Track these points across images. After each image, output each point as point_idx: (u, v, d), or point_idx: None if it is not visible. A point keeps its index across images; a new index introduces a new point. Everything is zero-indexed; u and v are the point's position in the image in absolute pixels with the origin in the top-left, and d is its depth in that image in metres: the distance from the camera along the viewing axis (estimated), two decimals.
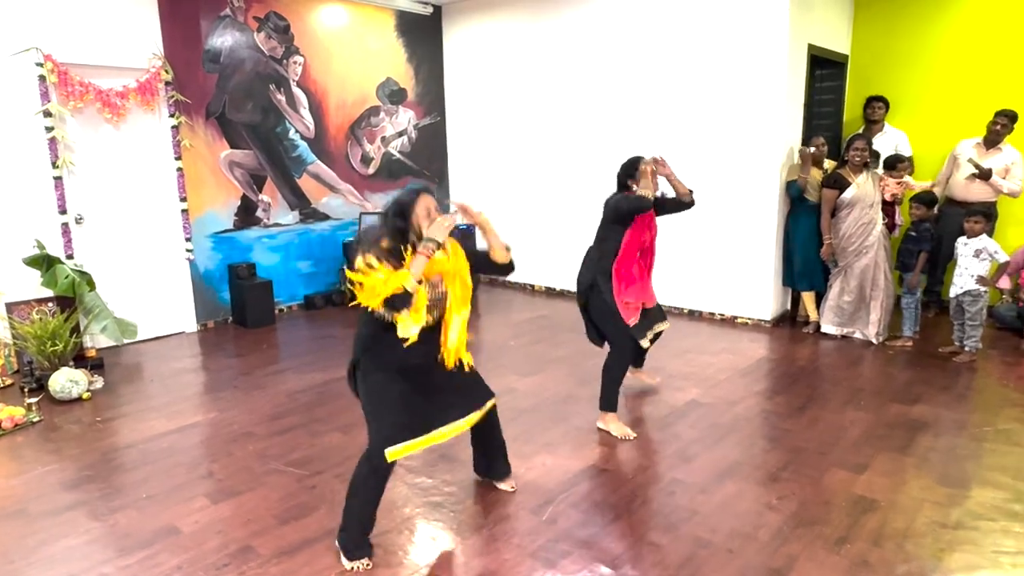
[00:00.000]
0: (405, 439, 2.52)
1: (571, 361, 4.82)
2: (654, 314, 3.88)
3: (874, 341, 5.07)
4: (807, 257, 5.33)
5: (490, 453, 3.04)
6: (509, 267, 2.77)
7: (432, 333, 2.61)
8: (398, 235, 2.50)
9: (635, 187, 3.60)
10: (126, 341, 5.21)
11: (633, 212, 3.52)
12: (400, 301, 2.39)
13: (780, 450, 3.42)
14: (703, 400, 4.08)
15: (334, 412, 3.99)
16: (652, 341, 3.89)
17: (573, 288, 6.82)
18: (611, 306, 3.59)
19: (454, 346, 2.63)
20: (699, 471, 3.22)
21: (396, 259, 2.44)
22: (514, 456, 3.35)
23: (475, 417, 2.77)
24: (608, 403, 3.68)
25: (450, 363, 2.66)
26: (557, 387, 4.34)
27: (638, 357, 4.26)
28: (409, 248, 2.48)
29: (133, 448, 3.60)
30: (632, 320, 3.63)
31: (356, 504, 2.54)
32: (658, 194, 3.66)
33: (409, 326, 2.47)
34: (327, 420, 3.89)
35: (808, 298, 5.46)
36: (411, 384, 2.58)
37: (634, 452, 3.46)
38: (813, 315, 5.43)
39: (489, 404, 2.85)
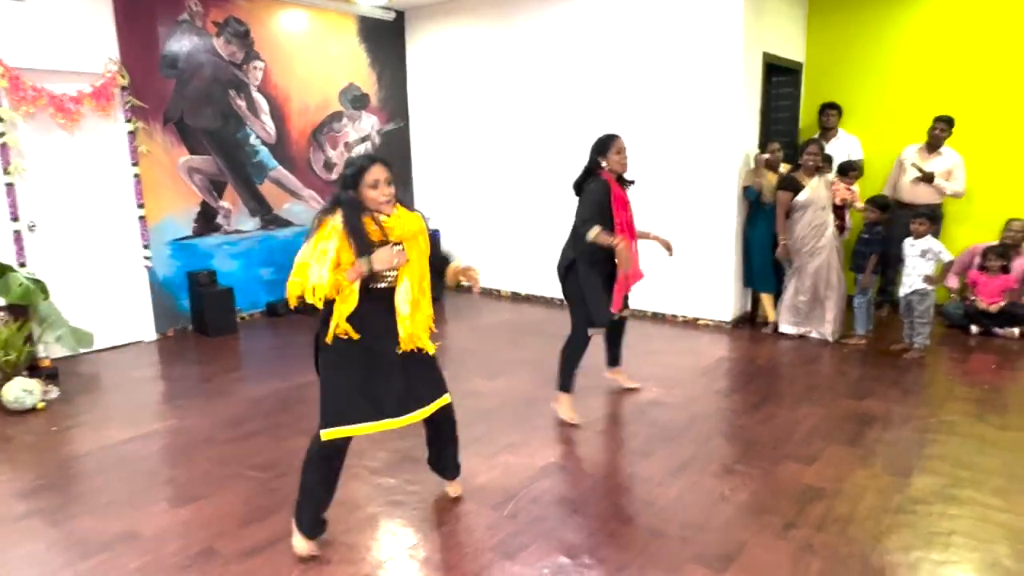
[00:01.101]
0: (342, 424, 2.53)
1: (534, 363, 4.94)
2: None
3: (830, 339, 5.28)
4: (764, 259, 5.56)
5: (438, 448, 3.01)
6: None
7: (388, 314, 2.58)
8: (347, 206, 2.47)
9: (604, 165, 3.74)
10: (82, 351, 5.20)
11: (583, 231, 3.63)
12: (302, 303, 2.41)
13: (735, 444, 3.58)
14: (663, 399, 4.23)
15: (297, 417, 4.05)
16: (617, 335, 4.14)
17: (537, 293, 6.96)
18: (582, 291, 3.73)
19: (406, 317, 2.58)
20: (656, 466, 3.36)
21: (355, 234, 2.45)
22: (476, 456, 3.47)
23: (423, 413, 2.73)
24: (563, 384, 3.88)
25: (404, 338, 2.59)
26: (520, 389, 4.46)
27: (613, 353, 4.37)
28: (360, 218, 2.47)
29: (90, 456, 3.62)
30: (615, 309, 3.80)
31: (307, 481, 2.62)
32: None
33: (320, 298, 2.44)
34: (290, 425, 3.95)
35: (767, 300, 5.68)
36: (364, 367, 2.57)
37: (594, 449, 3.59)
38: (771, 316, 5.64)
39: (439, 401, 2.79)
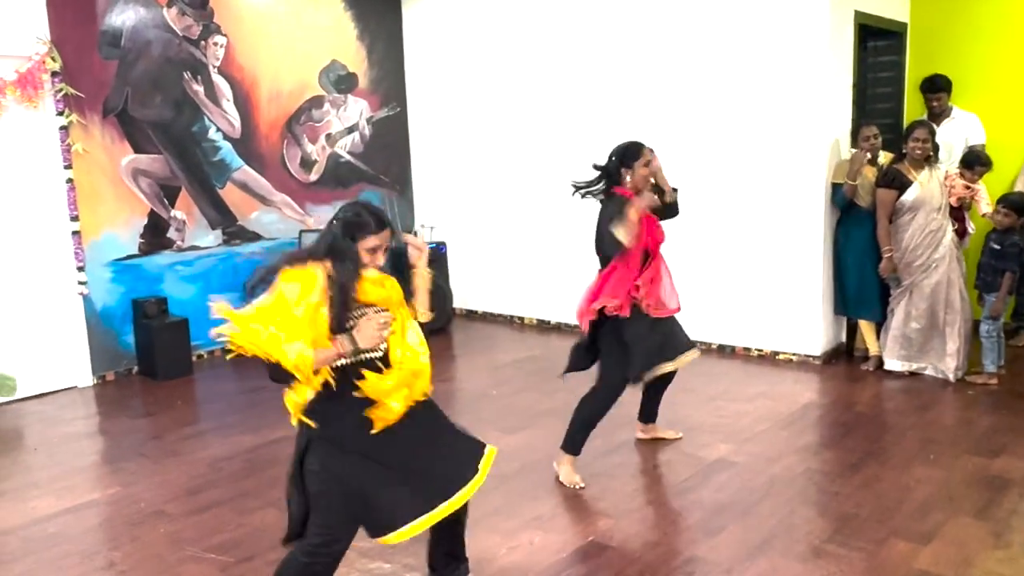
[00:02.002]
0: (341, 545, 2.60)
1: (567, 413, 4.84)
2: (675, 339, 4.03)
3: (951, 378, 5.22)
4: (862, 276, 5.50)
5: (454, 540, 2.95)
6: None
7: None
8: (348, 259, 2.52)
9: (628, 179, 3.80)
10: (2, 400, 5.30)
11: (609, 252, 3.73)
12: (278, 373, 2.43)
13: (827, 518, 3.54)
14: (733, 458, 4.20)
15: (266, 483, 4.08)
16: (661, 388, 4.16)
17: (570, 321, 6.96)
18: (621, 332, 3.78)
19: (408, 359, 2.62)
20: (725, 547, 3.33)
21: (343, 297, 2.50)
22: (493, 533, 3.47)
23: (477, 482, 2.74)
24: (571, 445, 3.96)
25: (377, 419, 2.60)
26: (549, 446, 4.43)
27: (649, 407, 4.41)
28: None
29: (11, 535, 3.67)
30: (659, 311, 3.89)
31: None
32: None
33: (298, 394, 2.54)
34: (258, 494, 3.99)
35: (867, 328, 5.62)
36: (377, 467, 2.60)
37: (644, 524, 3.58)
38: (874, 348, 5.58)
39: (488, 456, 2.81)
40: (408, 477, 2.63)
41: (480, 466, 2.78)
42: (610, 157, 3.89)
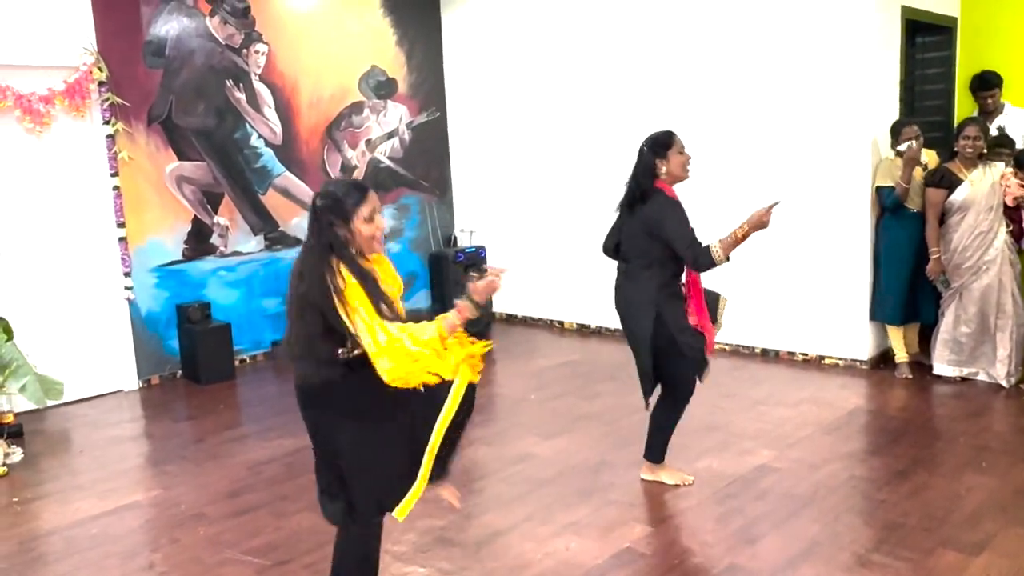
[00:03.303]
0: (407, 491, 2.60)
1: (606, 418, 4.90)
2: None
3: (1004, 384, 5.08)
4: (890, 278, 5.38)
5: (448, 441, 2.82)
6: None
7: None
8: (337, 245, 2.51)
9: (663, 169, 3.68)
10: (50, 403, 5.42)
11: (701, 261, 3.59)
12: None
13: (873, 527, 3.46)
14: (776, 465, 4.13)
15: (305, 487, 4.10)
16: None
17: (610, 325, 6.92)
18: (678, 340, 3.70)
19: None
20: (766, 555, 3.27)
21: (372, 283, 2.49)
22: (528, 539, 3.45)
23: (448, 414, 2.65)
24: (657, 453, 3.95)
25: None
26: (587, 452, 4.42)
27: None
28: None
29: (56, 535, 3.76)
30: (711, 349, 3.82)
31: None
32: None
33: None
34: (296, 497, 4.02)
35: (894, 332, 5.50)
36: (404, 445, 2.63)
37: (683, 531, 3.53)
38: (901, 353, 5.47)
39: (456, 389, 2.66)
40: (408, 445, 2.63)
41: (447, 403, 2.64)
42: (641, 149, 3.77)
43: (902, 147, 5.20)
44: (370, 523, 2.69)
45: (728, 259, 3.50)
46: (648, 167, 3.71)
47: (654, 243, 3.69)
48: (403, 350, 2.40)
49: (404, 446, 2.63)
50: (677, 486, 3.92)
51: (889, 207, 5.34)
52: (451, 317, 2.46)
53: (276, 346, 6.74)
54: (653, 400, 3.88)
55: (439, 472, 2.78)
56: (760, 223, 3.49)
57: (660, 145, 3.72)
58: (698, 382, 3.84)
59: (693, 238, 3.59)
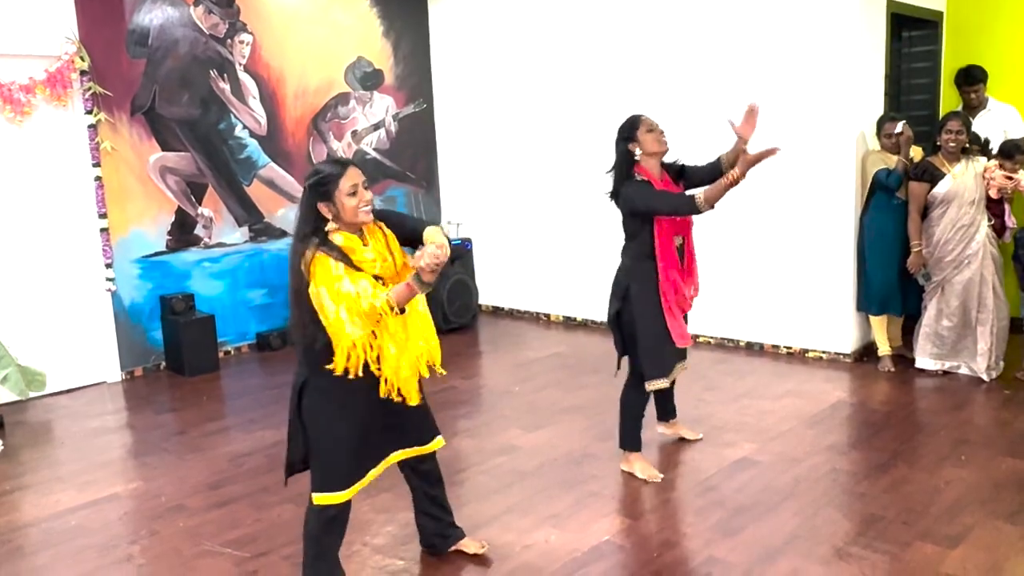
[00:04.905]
0: (338, 489, 2.80)
1: (590, 411, 4.90)
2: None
3: (984, 378, 5.09)
4: (888, 271, 5.38)
5: (437, 510, 3.23)
6: None
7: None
8: (318, 219, 2.69)
9: (639, 152, 3.73)
10: (32, 394, 5.39)
11: (682, 214, 3.68)
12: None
13: (852, 520, 3.47)
14: (757, 457, 4.14)
15: None
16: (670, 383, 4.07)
17: (596, 318, 6.93)
18: (640, 323, 3.75)
19: (393, 374, 2.76)
20: (744, 547, 3.27)
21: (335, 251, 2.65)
22: (509, 531, 3.45)
23: (413, 452, 3.04)
24: (629, 441, 3.95)
25: (393, 393, 2.80)
26: (569, 444, 4.42)
27: (664, 405, 4.38)
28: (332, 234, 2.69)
29: (34, 527, 3.74)
30: (681, 342, 3.80)
31: (308, 555, 2.88)
32: (677, 161, 3.89)
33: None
34: (277, 490, 3.99)
35: (878, 324, 5.51)
36: (363, 418, 2.81)
37: (663, 524, 3.53)
38: (884, 347, 5.50)
39: (434, 443, 3.09)
40: (369, 435, 2.85)
41: (425, 445, 3.07)
42: (616, 144, 3.83)
43: (898, 128, 5.21)
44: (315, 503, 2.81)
45: (713, 207, 3.51)
46: (623, 154, 3.78)
47: (635, 220, 3.78)
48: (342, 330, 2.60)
49: (351, 439, 2.80)
50: (645, 481, 3.89)
51: (895, 185, 5.27)
52: (402, 291, 2.57)
53: (261, 338, 6.71)
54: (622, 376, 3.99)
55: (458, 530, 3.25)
56: (750, 164, 3.52)
57: (627, 130, 3.80)
58: (650, 386, 3.85)
59: (669, 196, 3.68)
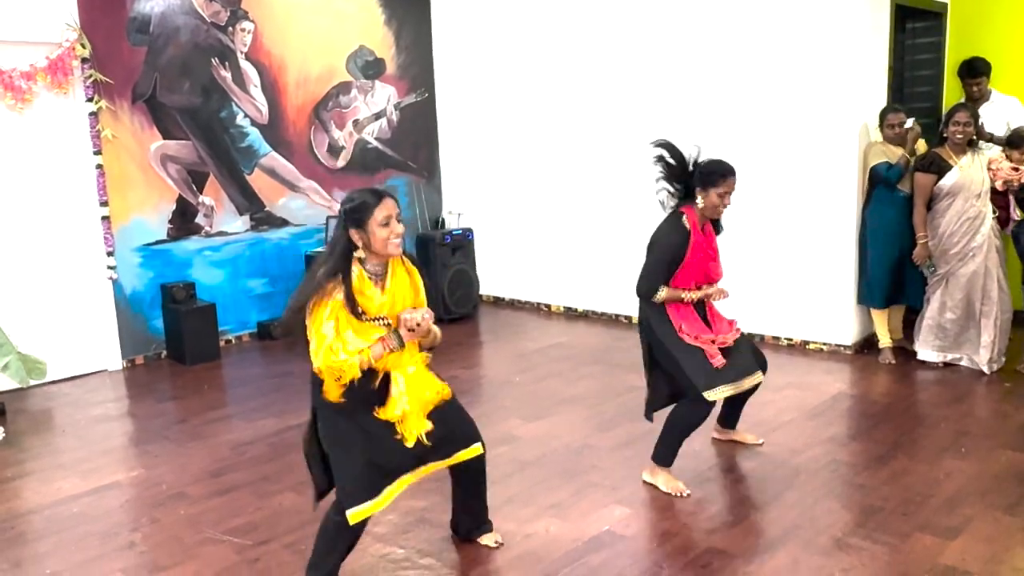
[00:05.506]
0: (359, 503, 2.78)
1: (590, 401, 4.92)
2: (742, 359, 3.77)
3: (986, 370, 5.10)
4: (889, 262, 5.38)
5: (473, 509, 3.27)
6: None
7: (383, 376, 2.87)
8: (349, 253, 2.75)
9: (700, 201, 3.65)
10: (33, 382, 5.40)
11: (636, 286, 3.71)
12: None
13: (852, 511, 3.49)
14: (758, 449, 4.16)
15: (287, 467, 4.12)
16: (743, 396, 3.95)
17: (597, 309, 6.94)
18: (669, 347, 3.68)
19: (400, 411, 2.83)
20: (744, 538, 3.29)
21: (348, 301, 2.72)
22: (510, 520, 3.47)
23: (449, 463, 3.03)
24: (663, 457, 3.76)
25: (408, 436, 2.84)
26: (570, 434, 4.44)
27: (729, 415, 4.22)
28: (360, 276, 2.75)
29: (36, 514, 3.76)
30: (717, 360, 3.63)
31: (318, 550, 2.91)
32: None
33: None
34: (278, 478, 4.03)
35: (879, 316, 5.52)
36: (368, 432, 2.83)
37: (663, 514, 3.54)
38: (885, 339, 5.51)
39: (469, 452, 3.07)
40: (388, 449, 2.85)
41: (458, 454, 3.05)
42: (693, 167, 3.71)
43: (908, 123, 5.20)
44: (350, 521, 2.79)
45: (662, 303, 3.69)
46: (687, 187, 3.74)
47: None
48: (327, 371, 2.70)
49: (366, 451, 2.81)
50: (676, 494, 3.69)
51: (894, 179, 5.26)
52: (376, 348, 2.73)
53: (262, 327, 6.73)
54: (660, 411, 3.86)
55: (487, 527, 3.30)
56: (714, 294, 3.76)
57: (711, 178, 3.64)
58: (710, 396, 3.61)
59: (648, 272, 3.68)
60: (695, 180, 3.69)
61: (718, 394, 3.64)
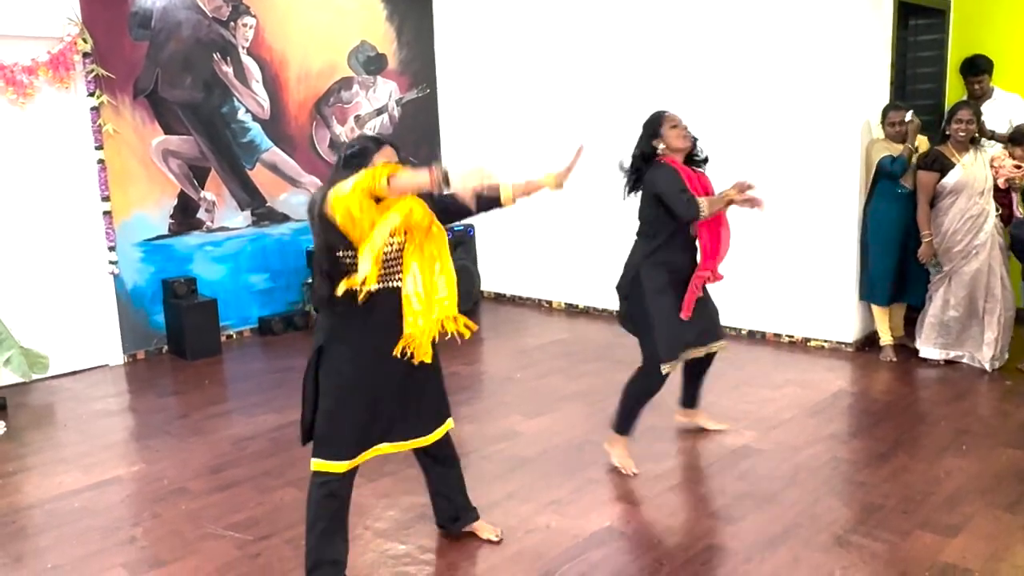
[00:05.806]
0: (335, 458, 2.82)
1: (591, 398, 4.91)
2: (707, 322, 3.94)
3: (988, 368, 5.10)
4: (891, 260, 5.38)
5: (447, 491, 3.27)
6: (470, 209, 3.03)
7: (395, 318, 2.79)
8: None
9: (662, 147, 3.77)
10: (35, 377, 5.42)
11: (685, 214, 3.68)
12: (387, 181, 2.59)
13: (852, 508, 3.49)
14: (758, 446, 4.16)
15: (288, 463, 4.13)
16: (700, 369, 4.09)
17: (599, 305, 6.94)
18: (649, 310, 3.75)
19: (418, 313, 2.75)
20: (745, 535, 3.29)
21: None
22: (510, 516, 3.47)
23: (424, 441, 3.06)
24: (621, 425, 3.91)
25: (408, 336, 2.78)
26: (571, 431, 4.44)
27: (688, 394, 4.32)
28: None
29: (37, 508, 3.76)
30: (685, 312, 3.78)
31: (310, 527, 2.88)
32: (701, 152, 3.92)
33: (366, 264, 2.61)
34: (279, 473, 4.03)
35: (880, 313, 5.52)
36: (369, 391, 2.85)
37: (664, 511, 3.55)
38: (886, 336, 5.51)
39: (443, 428, 3.12)
40: (379, 412, 2.89)
41: (436, 431, 3.09)
42: (639, 140, 3.87)
43: (907, 116, 5.19)
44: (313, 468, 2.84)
45: (710, 215, 3.69)
46: (646, 150, 3.83)
47: (650, 206, 3.81)
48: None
49: (356, 411, 2.83)
50: (622, 471, 3.85)
51: (899, 172, 5.25)
52: (422, 174, 2.64)
53: (263, 323, 6.73)
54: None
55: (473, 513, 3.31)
56: (746, 199, 3.72)
57: (651, 126, 3.84)
58: (664, 368, 3.73)
59: (686, 195, 3.67)
60: (646, 144, 3.83)
61: (671, 367, 3.78)
